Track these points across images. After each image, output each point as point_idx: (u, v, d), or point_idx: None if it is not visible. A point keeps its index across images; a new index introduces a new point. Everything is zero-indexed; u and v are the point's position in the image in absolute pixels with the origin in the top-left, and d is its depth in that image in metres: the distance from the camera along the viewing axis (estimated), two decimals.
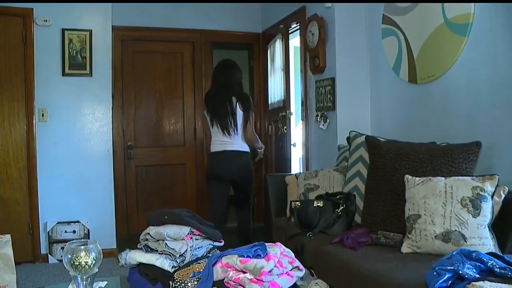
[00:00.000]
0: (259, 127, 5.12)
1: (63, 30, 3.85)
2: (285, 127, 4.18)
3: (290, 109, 4.18)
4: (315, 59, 3.75)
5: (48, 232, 3.80)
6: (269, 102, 4.86)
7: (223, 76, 3.44)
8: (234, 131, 3.37)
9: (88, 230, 3.88)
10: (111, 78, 4.08)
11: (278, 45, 4.38)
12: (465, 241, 1.95)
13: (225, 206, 3.55)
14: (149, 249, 1.97)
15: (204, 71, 4.96)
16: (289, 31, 4.34)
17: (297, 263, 1.62)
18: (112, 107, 4.12)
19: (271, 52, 4.71)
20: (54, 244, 3.79)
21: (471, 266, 1.51)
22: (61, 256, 3.66)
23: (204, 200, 4.98)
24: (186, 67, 4.92)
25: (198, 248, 1.98)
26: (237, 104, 3.37)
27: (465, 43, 2.56)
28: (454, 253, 1.60)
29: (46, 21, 3.80)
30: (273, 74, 4.63)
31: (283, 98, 4.30)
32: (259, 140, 3.66)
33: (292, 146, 4.37)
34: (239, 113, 3.38)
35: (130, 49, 4.71)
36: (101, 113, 4.00)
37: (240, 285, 1.48)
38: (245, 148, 3.45)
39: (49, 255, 3.80)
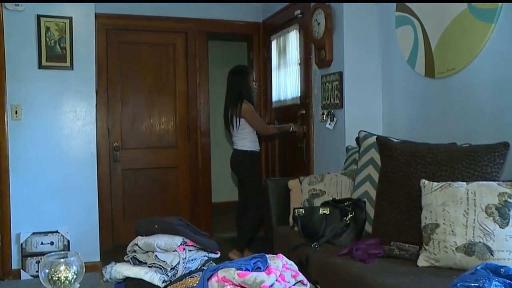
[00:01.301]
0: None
1: (38, 17, 3.81)
2: (305, 127, 4.16)
3: (313, 107, 4.10)
4: (320, 51, 3.74)
5: (21, 244, 3.75)
6: (274, 99, 4.85)
7: (228, 84, 4.18)
8: (235, 133, 4.13)
9: (68, 241, 3.85)
10: (95, 72, 4.06)
11: (294, 36, 4.34)
12: (492, 255, 1.93)
13: (241, 202, 4.35)
14: (137, 262, 1.96)
15: (199, 64, 4.95)
16: (295, 21, 4.31)
17: (301, 276, 1.60)
18: (96, 104, 4.10)
19: (279, 44, 4.69)
20: (28, 258, 3.75)
21: (499, 284, 1.49)
22: (36, 272, 3.65)
23: (199, 208, 4.97)
24: (178, 60, 4.91)
25: (192, 260, 1.97)
26: (234, 113, 4.07)
27: (492, 31, 2.53)
28: (478, 267, 1.58)
29: (18, 5, 3.74)
30: (283, 69, 4.61)
31: (300, 95, 4.27)
32: (277, 127, 4.38)
33: (313, 147, 4.29)
34: (238, 119, 4.05)
35: (116, 40, 4.70)
36: (84, 111, 3.98)
37: None
38: (243, 147, 4.11)
39: (21, 270, 3.75)
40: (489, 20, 2.54)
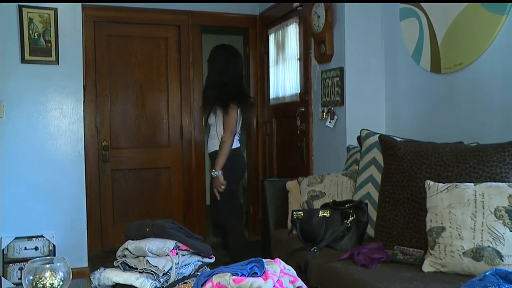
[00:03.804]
0: (255, 125, 5.11)
1: (20, 7, 3.77)
2: (302, 125, 4.13)
3: (313, 105, 4.08)
4: (320, 45, 3.74)
5: (3, 250, 3.72)
6: (272, 96, 4.85)
7: None
8: None
9: (54, 246, 3.83)
10: (82, 66, 4.05)
11: (293, 30, 4.34)
12: (502, 260, 1.93)
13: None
14: (127, 267, 1.96)
15: (192, 59, 4.94)
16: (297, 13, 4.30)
17: (300, 282, 1.61)
18: (83, 101, 4.09)
19: (277, 38, 4.69)
20: (10, 265, 3.71)
21: None
22: (19, 279, 3.62)
23: (192, 211, 4.96)
24: (171, 54, 4.90)
25: (185, 265, 1.97)
26: None
27: (503, 23, 2.53)
28: (487, 273, 1.58)
29: None
30: (281, 64, 4.61)
31: (299, 91, 4.27)
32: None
33: (313, 147, 4.27)
34: None
35: (105, 33, 4.68)
36: (71, 108, 3.97)
37: None
38: None
39: (2, 278, 3.72)
40: (500, 11, 2.54)
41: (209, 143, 3.81)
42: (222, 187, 3.62)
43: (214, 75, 3.82)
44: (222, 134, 3.68)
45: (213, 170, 3.62)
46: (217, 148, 3.70)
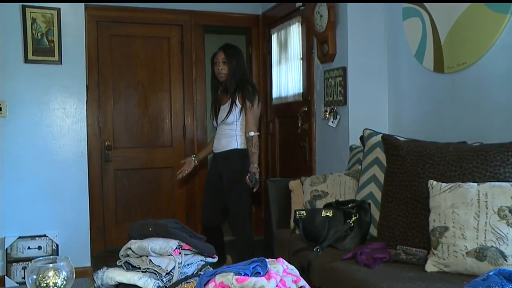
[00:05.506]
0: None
1: (23, 7, 3.79)
2: (305, 125, 4.11)
3: (315, 104, 4.07)
4: (323, 45, 3.74)
5: (6, 249, 3.73)
6: (274, 96, 4.85)
7: None
8: None
9: (57, 245, 3.84)
10: (85, 66, 4.06)
11: (296, 29, 4.34)
12: (505, 260, 1.93)
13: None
14: (130, 267, 1.96)
15: (195, 59, 4.94)
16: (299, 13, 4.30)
17: (303, 282, 1.60)
18: (86, 101, 4.10)
19: (279, 38, 4.69)
20: (14, 264, 3.73)
21: None
22: (22, 278, 3.63)
23: (195, 210, 4.96)
24: (173, 54, 4.90)
25: (188, 265, 1.97)
26: None
27: (506, 23, 2.53)
28: (491, 273, 1.57)
29: None
30: (284, 64, 4.61)
31: (302, 91, 4.27)
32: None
33: (316, 147, 4.26)
34: None
35: (107, 33, 4.69)
36: (73, 108, 3.98)
37: None
38: None
39: (6, 277, 3.72)
40: (503, 10, 2.53)
41: (223, 142, 3.66)
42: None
43: (241, 71, 3.68)
44: (240, 133, 3.61)
45: (255, 165, 3.52)
46: (231, 147, 3.61)
